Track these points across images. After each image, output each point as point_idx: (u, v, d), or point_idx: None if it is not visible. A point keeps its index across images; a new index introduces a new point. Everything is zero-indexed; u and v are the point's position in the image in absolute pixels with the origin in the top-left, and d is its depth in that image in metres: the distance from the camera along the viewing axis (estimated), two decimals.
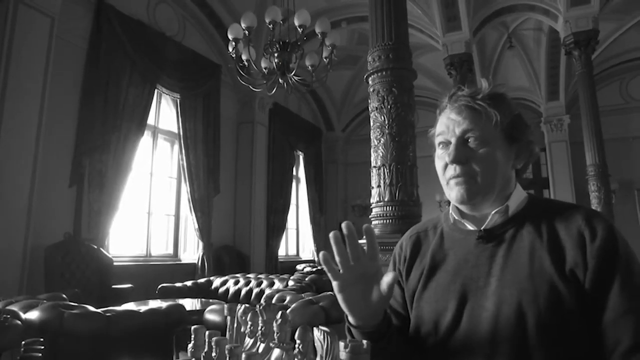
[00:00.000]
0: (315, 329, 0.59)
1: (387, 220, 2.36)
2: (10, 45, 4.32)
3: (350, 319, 0.82)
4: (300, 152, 10.81)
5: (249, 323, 0.65)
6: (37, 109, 4.54)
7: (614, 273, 0.74)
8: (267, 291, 4.62)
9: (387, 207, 2.37)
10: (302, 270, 9.09)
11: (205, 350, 0.64)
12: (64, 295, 3.69)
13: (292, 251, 10.87)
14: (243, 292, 4.88)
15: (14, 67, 4.32)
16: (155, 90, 6.48)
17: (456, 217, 0.93)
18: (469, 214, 0.92)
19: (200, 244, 7.16)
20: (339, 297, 0.81)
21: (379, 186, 2.43)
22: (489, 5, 7.18)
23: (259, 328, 0.64)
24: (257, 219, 8.41)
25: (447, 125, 0.89)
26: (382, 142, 2.42)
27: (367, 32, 9.04)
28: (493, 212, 0.87)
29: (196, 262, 7.15)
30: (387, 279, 0.78)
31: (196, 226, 7.10)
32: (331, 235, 0.80)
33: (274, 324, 0.59)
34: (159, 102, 7.00)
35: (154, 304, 3.66)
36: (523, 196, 0.91)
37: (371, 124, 2.54)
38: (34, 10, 4.56)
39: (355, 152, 12.11)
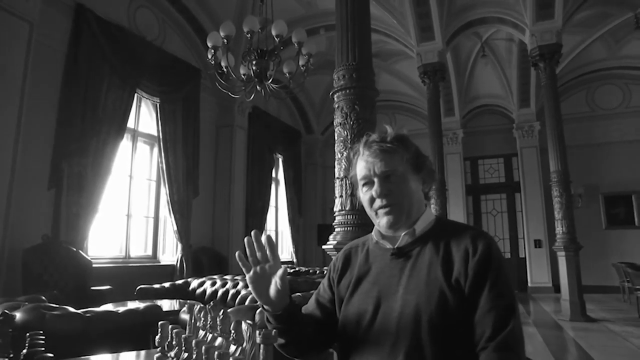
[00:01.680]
0: (243, 322, 0.78)
1: (348, 228, 2.58)
2: None
3: (261, 303, 1.05)
4: (279, 155, 10.97)
5: (202, 319, 0.84)
6: (16, 113, 4.61)
7: (485, 281, 0.96)
8: (243, 292, 4.79)
9: (348, 216, 2.59)
10: None
11: (168, 340, 0.82)
12: (43, 297, 3.80)
13: None
14: (219, 293, 5.02)
15: None
16: (135, 94, 6.57)
17: (377, 239, 1.14)
18: (388, 235, 1.12)
19: (179, 245, 7.26)
20: (250, 287, 1.05)
21: (341, 196, 2.64)
22: (461, 17, 7.48)
23: (208, 323, 0.83)
24: (235, 221, 8.54)
25: (368, 167, 1.10)
26: (344, 155, 2.64)
27: None
28: (403, 234, 1.08)
29: (175, 263, 7.25)
30: (278, 274, 1.02)
31: (175, 228, 7.20)
32: (246, 239, 1.05)
33: (217, 320, 0.78)
34: (138, 106, 7.07)
35: (132, 304, 3.79)
36: (431, 219, 1.12)
37: (335, 138, 2.75)
38: (12, 15, 4.63)
39: (334, 155, 12.31)
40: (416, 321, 0.97)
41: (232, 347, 0.74)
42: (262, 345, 0.69)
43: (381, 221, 1.11)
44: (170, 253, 7.45)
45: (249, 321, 0.79)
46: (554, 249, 6.77)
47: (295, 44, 5.31)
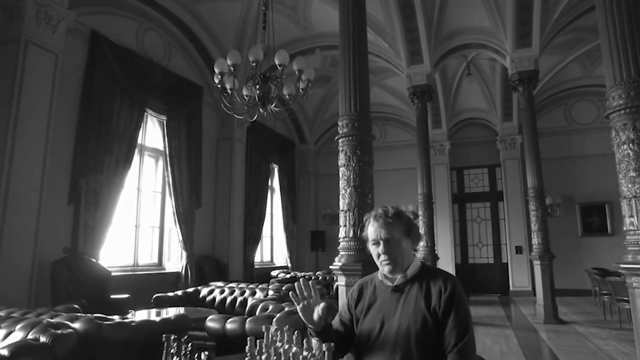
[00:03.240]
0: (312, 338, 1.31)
1: (351, 252, 3.12)
2: (21, 83, 4.84)
3: (307, 323, 1.60)
4: (275, 165, 11.49)
5: (278, 335, 1.36)
6: (44, 136, 5.06)
7: (451, 310, 1.51)
8: (250, 300, 5.29)
9: (351, 242, 3.13)
10: (277, 276, 9.79)
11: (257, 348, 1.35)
12: (76, 306, 4.27)
13: (266, 257, 11.52)
14: (228, 300, 5.53)
15: (25, 101, 4.84)
16: (144, 113, 7.04)
17: (381, 279, 1.69)
18: (389, 277, 1.66)
19: (184, 254, 7.74)
20: (300, 313, 1.61)
21: (345, 225, 3.18)
22: (448, 42, 8.08)
23: (285, 337, 1.35)
24: (235, 230, 9.03)
25: (376, 233, 1.65)
26: (348, 191, 3.17)
27: (338, 56, 9.86)
28: (399, 277, 1.63)
29: (180, 271, 7.72)
30: (319, 308, 1.56)
31: (180, 237, 7.68)
32: (296, 284, 1.62)
33: (292, 335, 1.31)
34: (145, 122, 7.53)
35: (161, 313, 4.28)
36: (418, 265, 1.67)
37: (340, 175, 3.28)
38: (41, 49, 5.08)
39: (326, 164, 12.86)
40: (407, 335, 1.52)
41: (305, 353, 1.26)
42: (326, 352, 1.21)
43: (383, 269, 1.66)
44: (175, 261, 7.92)
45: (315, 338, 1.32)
46: (531, 258, 7.39)
47: (296, 72, 5.83)
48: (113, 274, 6.26)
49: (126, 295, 5.41)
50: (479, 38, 7.95)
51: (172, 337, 1.30)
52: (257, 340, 1.41)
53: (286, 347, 1.31)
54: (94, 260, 5.50)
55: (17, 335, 2.64)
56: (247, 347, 1.43)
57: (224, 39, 8.41)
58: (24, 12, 4.84)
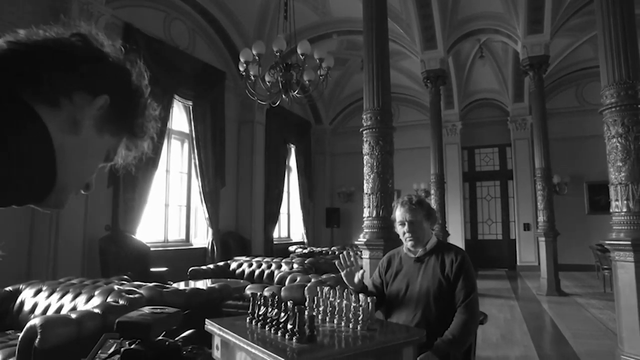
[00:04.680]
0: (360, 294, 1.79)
1: (374, 230, 3.60)
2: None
3: (349, 285, 2.06)
4: (292, 145, 11.94)
5: (332, 293, 1.84)
6: None
7: (460, 275, 1.98)
8: (276, 272, 5.84)
9: (375, 221, 3.60)
10: (294, 251, 10.37)
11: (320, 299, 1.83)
12: (127, 277, 4.84)
13: (284, 234, 12.10)
14: (256, 272, 6.09)
15: None
16: (172, 99, 7.49)
17: (405, 252, 2.16)
18: (411, 250, 2.13)
19: (210, 230, 8.31)
20: (344, 278, 2.09)
21: (369, 207, 3.65)
22: (461, 28, 8.33)
23: (337, 294, 1.83)
24: (256, 208, 9.58)
25: (402, 215, 2.11)
26: (371, 177, 3.63)
27: (354, 40, 10.13)
28: (420, 249, 2.09)
29: (206, 246, 8.31)
30: (358, 274, 2.01)
31: (206, 216, 8.23)
32: (341, 254, 2.05)
33: (343, 292, 1.79)
34: (172, 107, 7.99)
35: (203, 284, 4.84)
36: (434, 241, 2.14)
37: (364, 163, 3.73)
38: None
39: (341, 144, 13.26)
40: (427, 294, 2.00)
41: (355, 304, 1.74)
42: (370, 303, 1.70)
43: (407, 244, 2.13)
44: (202, 237, 8.50)
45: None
46: (536, 234, 7.82)
47: (317, 60, 6.21)
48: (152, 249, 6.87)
49: (165, 269, 6.00)
50: (491, 24, 8.19)
51: (259, 294, 1.77)
52: (315, 297, 1.91)
53: (338, 300, 1.79)
54: (134, 237, 6.07)
55: (97, 299, 3.19)
56: (306, 303, 1.92)
57: (245, 25, 8.76)
58: (69, 12, 5.27)
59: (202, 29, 8.49)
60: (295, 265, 5.86)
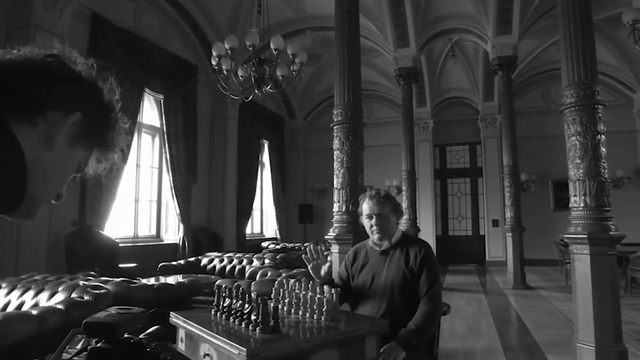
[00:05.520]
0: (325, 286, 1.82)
1: (344, 224, 3.64)
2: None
3: (316, 278, 2.09)
4: (265, 140, 11.88)
5: (297, 284, 1.86)
6: None
7: (424, 267, 2.03)
8: (248, 267, 5.82)
9: (344, 216, 3.64)
10: (267, 247, 10.33)
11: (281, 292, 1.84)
12: (93, 273, 4.73)
13: (256, 230, 12.06)
14: (227, 268, 6.05)
15: None
16: (143, 93, 7.34)
17: (371, 245, 2.20)
18: (377, 243, 2.17)
19: (181, 226, 8.20)
20: (311, 271, 2.11)
21: (338, 201, 3.69)
22: (434, 27, 8.46)
23: (302, 285, 1.85)
24: (228, 204, 9.50)
25: (370, 208, 2.14)
26: (341, 172, 3.66)
27: (328, 36, 10.14)
28: (385, 242, 2.14)
29: (177, 242, 8.20)
30: (324, 267, 2.05)
31: (177, 211, 8.12)
32: (308, 248, 2.05)
33: (308, 284, 1.81)
34: (142, 100, 7.82)
35: (174, 279, 4.78)
36: (400, 234, 2.18)
37: (334, 158, 3.76)
38: (49, 33, 5.34)
39: (315, 140, 13.28)
40: (392, 286, 2.05)
41: (319, 296, 1.77)
42: (334, 294, 1.72)
43: (374, 237, 2.17)
44: (172, 233, 8.38)
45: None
46: (504, 230, 8.04)
47: (290, 55, 6.20)
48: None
49: (134, 264, 5.89)
50: (463, 24, 8.35)
51: (224, 286, 1.78)
52: (280, 289, 1.92)
53: (303, 292, 1.82)
54: (102, 232, 5.93)
55: (61, 295, 3.11)
56: (272, 295, 1.94)
57: (219, 19, 8.65)
58: (33, 0, 5.08)
59: (174, 22, 8.34)
60: (266, 261, 5.86)
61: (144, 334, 1.37)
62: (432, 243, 11.78)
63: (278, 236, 12.33)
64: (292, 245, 10.15)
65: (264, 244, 10.73)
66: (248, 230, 10.92)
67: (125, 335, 1.23)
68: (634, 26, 4.84)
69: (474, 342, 4.38)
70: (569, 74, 3.30)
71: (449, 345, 4.21)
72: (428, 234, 11.65)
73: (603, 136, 3.26)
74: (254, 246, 10.49)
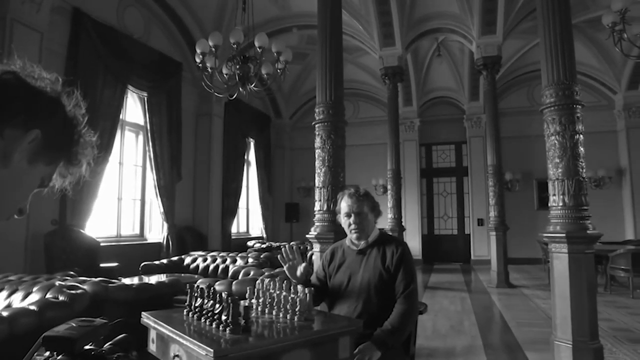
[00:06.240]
0: (299, 285, 1.79)
1: (325, 223, 3.63)
2: (8, 62, 5.01)
3: (291, 278, 2.07)
4: (251, 139, 11.82)
5: (272, 284, 1.83)
6: None
7: (400, 267, 2.02)
8: (231, 267, 5.78)
9: (325, 215, 3.63)
10: (253, 246, 10.28)
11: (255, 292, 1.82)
12: (72, 273, 4.65)
13: (242, 229, 11.98)
14: (211, 267, 6.00)
15: None
16: (126, 90, 7.24)
17: (349, 244, 2.18)
18: (354, 243, 2.16)
19: (165, 225, 8.11)
20: (287, 271, 2.10)
21: (320, 200, 3.67)
22: (419, 26, 8.49)
23: (277, 285, 1.83)
24: (214, 202, 9.43)
25: (349, 207, 2.13)
26: (323, 170, 3.65)
27: (315, 34, 10.10)
28: (362, 242, 2.12)
29: (162, 241, 8.11)
30: (300, 267, 2.03)
31: (161, 210, 8.03)
32: (282, 249, 2.05)
33: (282, 284, 1.79)
34: (125, 97, 7.71)
35: (157, 279, 4.72)
36: (377, 233, 2.17)
37: (316, 156, 3.74)
38: (27, 27, 5.23)
39: (301, 138, 13.24)
40: (368, 286, 2.03)
41: (293, 296, 1.75)
42: (308, 294, 1.70)
43: (352, 236, 2.16)
44: (156, 232, 8.28)
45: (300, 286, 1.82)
46: (488, 229, 8.11)
47: (275, 53, 6.15)
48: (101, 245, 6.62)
49: (115, 264, 5.80)
50: (448, 23, 8.40)
51: (196, 285, 1.75)
52: (255, 289, 1.90)
53: (278, 292, 1.80)
54: (83, 232, 5.84)
55: (35, 296, 3.04)
56: (246, 294, 1.91)
57: (203, 16, 8.57)
58: None
59: (158, 18, 8.24)
60: (250, 260, 5.82)
61: (108, 343, 1.36)
62: (417, 242, 11.88)
63: (264, 235, 12.27)
64: (277, 244, 10.11)
65: (250, 243, 10.67)
66: (234, 229, 10.85)
67: (87, 347, 1.22)
68: (614, 28, 4.90)
69: (455, 341, 4.40)
70: (548, 74, 3.33)
71: (430, 344, 4.23)
72: (414, 233, 11.71)
73: (582, 136, 3.30)
74: (239, 245, 10.43)
